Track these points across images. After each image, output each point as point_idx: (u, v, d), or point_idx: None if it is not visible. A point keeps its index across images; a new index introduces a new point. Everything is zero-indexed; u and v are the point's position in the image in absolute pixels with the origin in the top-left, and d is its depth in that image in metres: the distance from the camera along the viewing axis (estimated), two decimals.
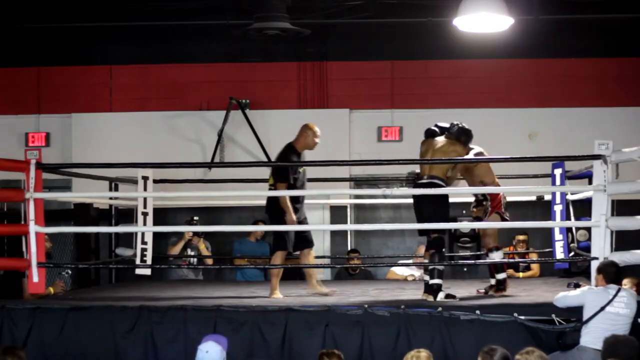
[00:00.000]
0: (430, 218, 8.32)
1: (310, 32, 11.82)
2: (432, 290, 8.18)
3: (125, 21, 12.33)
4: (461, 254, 12.38)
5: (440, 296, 8.13)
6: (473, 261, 11.87)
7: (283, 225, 8.76)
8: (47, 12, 12.33)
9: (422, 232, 8.72)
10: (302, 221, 8.84)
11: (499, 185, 8.79)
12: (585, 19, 12.07)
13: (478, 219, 8.79)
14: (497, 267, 8.61)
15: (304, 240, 8.95)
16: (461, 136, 8.55)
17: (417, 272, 10.87)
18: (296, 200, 8.73)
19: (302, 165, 8.79)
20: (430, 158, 8.43)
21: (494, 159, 9.37)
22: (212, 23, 12.35)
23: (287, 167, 8.63)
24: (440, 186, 8.35)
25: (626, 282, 8.24)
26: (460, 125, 8.58)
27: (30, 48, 13.11)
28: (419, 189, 8.40)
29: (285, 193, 8.78)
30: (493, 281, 8.67)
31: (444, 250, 8.43)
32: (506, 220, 8.73)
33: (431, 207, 8.36)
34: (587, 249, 8.38)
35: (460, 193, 11.33)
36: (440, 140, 8.56)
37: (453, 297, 8.18)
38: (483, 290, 8.77)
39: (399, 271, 10.98)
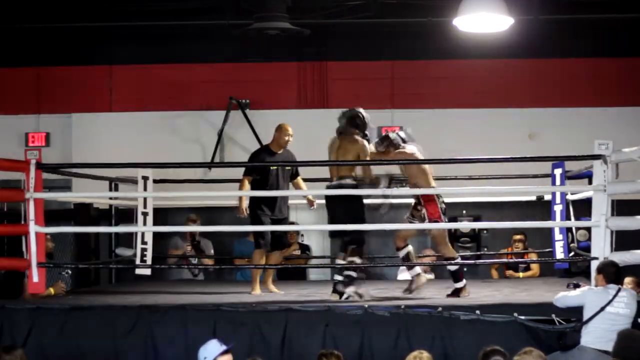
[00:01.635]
0: (341, 219, 8.38)
1: (310, 32, 11.82)
2: (337, 290, 8.29)
3: (125, 21, 12.33)
4: (461, 254, 12.38)
5: (345, 295, 8.23)
6: (473, 261, 11.88)
7: (284, 226, 8.79)
8: (47, 12, 12.34)
9: (333, 234, 8.81)
10: (280, 220, 8.96)
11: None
12: (585, 19, 12.07)
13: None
14: (454, 276, 8.54)
15: (277, 241, 9.08)
16: (352, 126, 8.49)
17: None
18: (269, 199, 8.87)
19: (287, 165, 8.93)
20: (335, 159, 8.49)
21: (494, 159, 9.39)
22: (212, 23, 12.35)
23: (252, 163, 8.98)
24: (350, 186, 8.37)
25: (628, 282, 8.25)
26: (348, 114, 8.54)
27: (30, 48, 13.11)
28: (350, 190, 8.41)
29: (286, 193, 8.80)
30: (459, 284, 8.53)
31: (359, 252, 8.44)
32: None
33: (342, 208, 8.42)
34: (587, 249, 8.38)
35: (461, 193, 11.36)
36: (342, 138, 8.56)
37: (360, 295, 8.22)
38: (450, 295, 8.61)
39: (403, 277, 10.94)
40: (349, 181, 8.44)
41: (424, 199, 8.49)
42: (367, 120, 8.61)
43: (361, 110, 8.60)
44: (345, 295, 8.26)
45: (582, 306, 7.08)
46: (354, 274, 8.37)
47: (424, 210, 8.52)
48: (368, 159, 8.48)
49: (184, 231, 11.24)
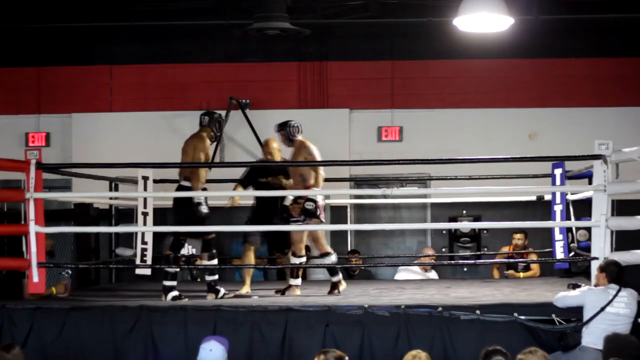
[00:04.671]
0: (178, 221, 8.60)
1: (310, 32, 11.82)
2: (211, 287, 8.54)
3: (125, 21, 12.33)
4: (461, 253, 12.39)
5: (169, 297, 8.40)
6: (473, 261, 11.89)
7: (282, 225, 8.79)
8: (47, 12, 12.34)
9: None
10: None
11: (318, 185, 8.74)
12: (585, 19, 12.07)
13: (291, 216, 8.82)
14: (331, 270, 8.82)
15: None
16: (208, 123, 8.83)
17: (419, 275, 10.86)
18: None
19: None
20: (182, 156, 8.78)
21: (494, 159, 9.40)
22: (212, 23, 12.35)
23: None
24: (186, 187, 8.61)
25: None
26: (216, 116, 8.88)
27: (30, 48, 13.12)
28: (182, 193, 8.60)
29: (288, 193, 8.81)
30: (292, 282, 8.88)
31: (173, 253, 8.71)
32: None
33: (177, 210, 8.66)
34: (587, 249, 8.38)
35: (461, 193, 11.37)
36: (192, 135, 8.88)
37: (180, 298, 8.40)
38: (280, 291, 8.90)
39: (402, 276, 10.94)
40: (184, 182, 8.72)
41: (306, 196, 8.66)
42: (221, 126, 9.05)
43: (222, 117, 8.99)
44: (220, 295, 8.51)
45: (582, 306, 7.09)
46: (173, 282, 8.54)
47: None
48: (202, 155, 8.73)
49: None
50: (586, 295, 7.12)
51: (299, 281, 8.97)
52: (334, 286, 8.78)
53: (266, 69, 13.25)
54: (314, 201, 8.54)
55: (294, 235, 8.86)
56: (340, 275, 8.86)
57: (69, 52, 13.30)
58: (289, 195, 8.93)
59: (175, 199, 8.68)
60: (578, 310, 7.12)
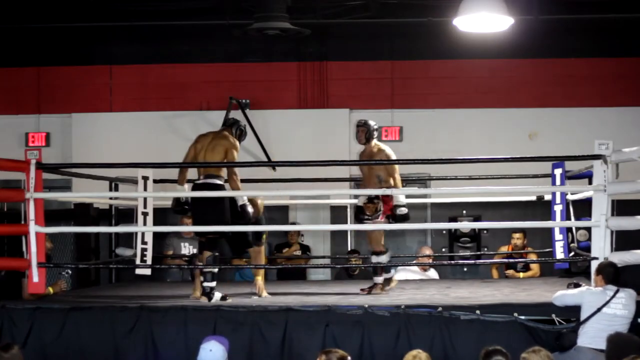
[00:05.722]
0: (208, 219, 8.32)
1: (310, 32, 11.83)
2: (206, 293, 8.28)
3: (125, 21, 12.34)
4: (461, 253, 12.40)
5: (216, 297, 8.23)
6: (473, 261, 11.89)
7: (282, 225, 8.79)
8: (47, 12, 12.34)
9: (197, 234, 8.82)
10: None
11: (397, 187, 8.73)
12: (585, 19, 12.07)
13: (364, 215, 8.80)
14: (375, 270, 8.82)
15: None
16: (233, 127, 8.75)
17: (418, 275, 10.85)
18: None
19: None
20: (204, 155, 8.59)
21: (494, 159, 9.39)
22: (212, 23, 12.36)
23: None
24: (217, 185, 8.43)
25: None
26: (233, 121, 8.84)
27: (30, 48, 13.13)
28: (200, 191, 8.46)
29: (287, 193, 8.79)
30: (378, 279, 8.83)
31: (216, 253, 8.47)
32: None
33: (208, 209, 8.41)
34: (587, 249, 8.37)
35: (461, 193, 11.37)
36: (213, 133, 8.71)
37: (226, 298, 8.25)
38: (366, 289, 8.85)
39: (400, 276, 10.93)
40: (215, 181, 8.50)
41: (383, 195, 8.62)
42: (242, 137, 8.85)
43: (245, 129, 8.90)
44: (213, 300, 8.27)
45: (580, 306, 7.08)
46: (212, 283, 8.35)
47: (380, 204, 8.65)
48: (236, 153, 8.56)
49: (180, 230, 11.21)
50: (584, 295, 7.12)
51: (381, 279, 8.82)
52: (374, 287, 8.71)
53: (266, 69, 13.25)
54: (404, 206, 8.57)
55: (372, 233, 8.82)
56: (382, 279, 8.77)
57: (69, 52, 13.31)
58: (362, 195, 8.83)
59: (205, 198, 8.45)
60: (577, 310, 7.12)
